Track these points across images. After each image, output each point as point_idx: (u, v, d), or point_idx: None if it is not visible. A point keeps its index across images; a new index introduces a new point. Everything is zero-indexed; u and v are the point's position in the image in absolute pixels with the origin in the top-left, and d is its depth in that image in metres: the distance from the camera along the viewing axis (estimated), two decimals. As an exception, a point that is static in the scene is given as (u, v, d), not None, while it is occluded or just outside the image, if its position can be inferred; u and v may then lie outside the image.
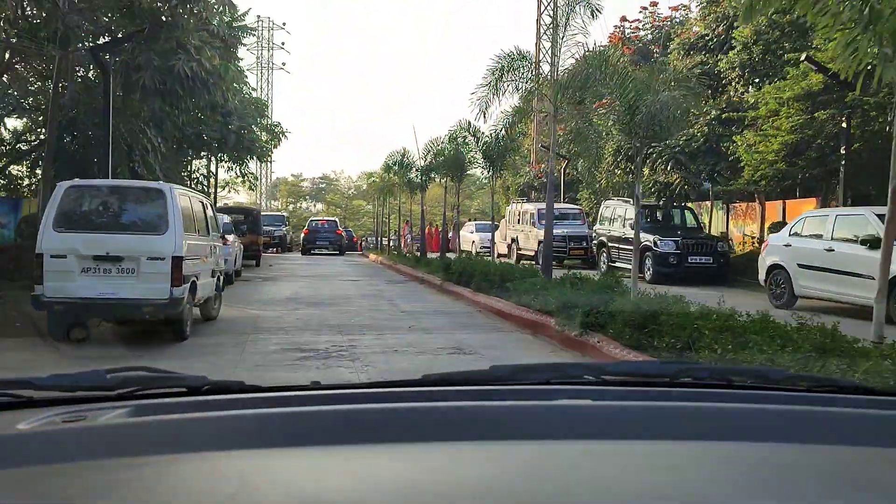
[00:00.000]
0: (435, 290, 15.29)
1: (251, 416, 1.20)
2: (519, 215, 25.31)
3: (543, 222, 15.20)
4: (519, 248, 24.98)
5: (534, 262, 22.78)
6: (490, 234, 21.49)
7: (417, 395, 1.37)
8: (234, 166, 27.20)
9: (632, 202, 19.40)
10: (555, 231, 18.56)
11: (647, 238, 17.51)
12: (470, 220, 40.61)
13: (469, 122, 18.49)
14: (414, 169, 24.03)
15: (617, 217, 19.23)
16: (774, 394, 1.44)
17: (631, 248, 14.44)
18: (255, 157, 27.10)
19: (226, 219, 18.19)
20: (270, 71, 51.39)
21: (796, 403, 1.35)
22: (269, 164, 48.28)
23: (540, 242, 21.85)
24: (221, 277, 10.73)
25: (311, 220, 36.26)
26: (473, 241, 32.32)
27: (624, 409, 1.28)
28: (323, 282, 17.51)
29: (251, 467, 0.99)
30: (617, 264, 18.92)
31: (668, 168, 18.59)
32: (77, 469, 0.99)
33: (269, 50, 51.24)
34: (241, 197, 50.02)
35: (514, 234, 25.36)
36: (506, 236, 26.72)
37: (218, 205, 26.01)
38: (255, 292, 14.65)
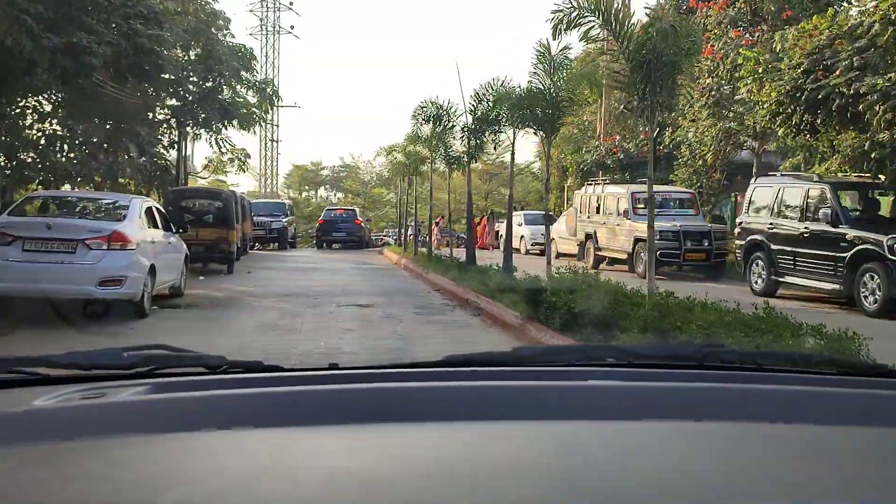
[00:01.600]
0: (512, 337, 8.07)
1: (275, 394, 1.19)
2: (599, 202, 18.11)
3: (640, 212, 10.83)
4: (599, 248, 17.80)
5: (627, 269, 15.74)
6: (543, 227, 14.96)
7: (441, 376, 1.35)
8: (213, 134, 20.11)
9: (816, 179, 12.12)
10: (662, 225, 13.94)
11: (862, 237, 10.28)
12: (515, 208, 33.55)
13: (547, 45, 11.22)
14: (457, 133, 16.66)
15: (789, 203, 11.95)
16: (803, 377, 1.42)
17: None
18: (236, 123, 20.00)
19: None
20: (277, 35, 44.49)
21: (826, 386, 1.34)
22: (273, 141, 41.57)
23: (638, 241, 14.83)
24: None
25: (327, 209, 31.59)
26: (522, 237, 25.22)
27: (653, 389, 1.25)
28: (313, 311, 10.31)
29: (280, 443, 0.99)
30: (788, 278, 11.68)
31: None
32: (97, 445, 0.98)
33: (274, 9, 44.20)
34: (245, 184, 43.22)
35: (591, 229, 18.19)
36: (575, 231, 19.56)
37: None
38: (170, 338, 7.65)
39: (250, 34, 43.02)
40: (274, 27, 44.24)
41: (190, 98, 17.93)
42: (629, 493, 0.79)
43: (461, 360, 1.45)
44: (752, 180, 13.98)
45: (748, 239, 12.59)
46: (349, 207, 32.99)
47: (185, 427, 1.03)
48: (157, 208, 10.91)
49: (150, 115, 19.15)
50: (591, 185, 19.15)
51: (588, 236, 18.47)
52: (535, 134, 12.43)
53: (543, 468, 0.89)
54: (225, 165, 26.33)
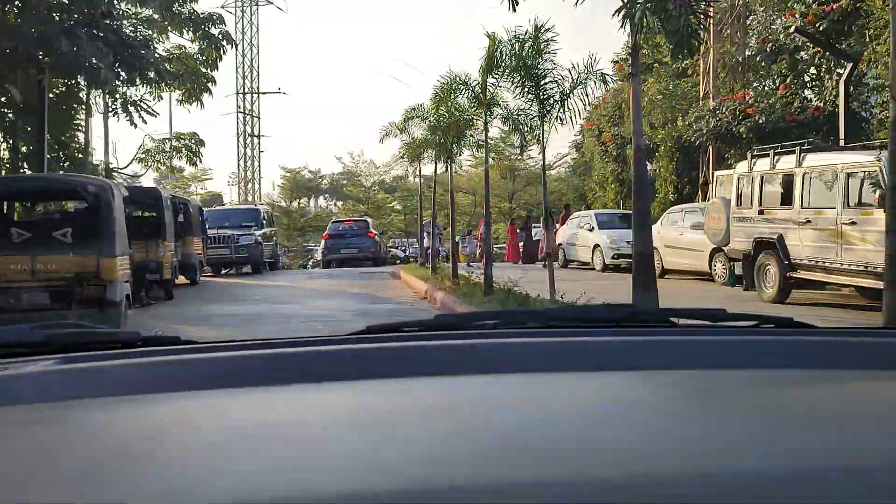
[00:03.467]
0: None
1: (186, 361, 1.19)
2: (792, 186, 10.17)
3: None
4: (794, 267, 9.88)
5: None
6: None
7: (362, 340, 1.33)
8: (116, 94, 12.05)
9: None
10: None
11: None
12: (578, 207, 25.84)
13: None
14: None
15: None
16: (719, 330, 1.45)
17: None
18: (155, 80, 11.90)
19: None
20: (255, 7, 36.37)
21: (741, 335, 1.37)
22: (253, 136, 33.64)
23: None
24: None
25: (334, 222, 26.59)
26: (597, 247, 17.39)
27: (569, 344, 1.28)
28: None
29: (187, 406, 0.99)
30: None
31: None
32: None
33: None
34: (218, 189, 35.19)
35: (771, 232, 10.31)
36: (725, 236, 11.69)
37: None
38: None
39: (223, 6, 35.13)
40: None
41: (57, 20, 9.96)
42: (550, 443, 0.77)
43: (381, 327, 1.45)
44: None
45: None
46: (359, 218, 28.14)
47: (93, 394, 1.02)
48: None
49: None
50: (763, 156, 11.11)
51: (762, 245, 10.54)
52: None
53: (462, 419, 0.88)
54: (165, 156, 18.22)
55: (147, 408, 0.98)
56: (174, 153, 17.87)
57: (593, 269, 17.40)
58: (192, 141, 17.80)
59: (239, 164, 34.86)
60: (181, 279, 14.89)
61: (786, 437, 0.78)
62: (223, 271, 20.09)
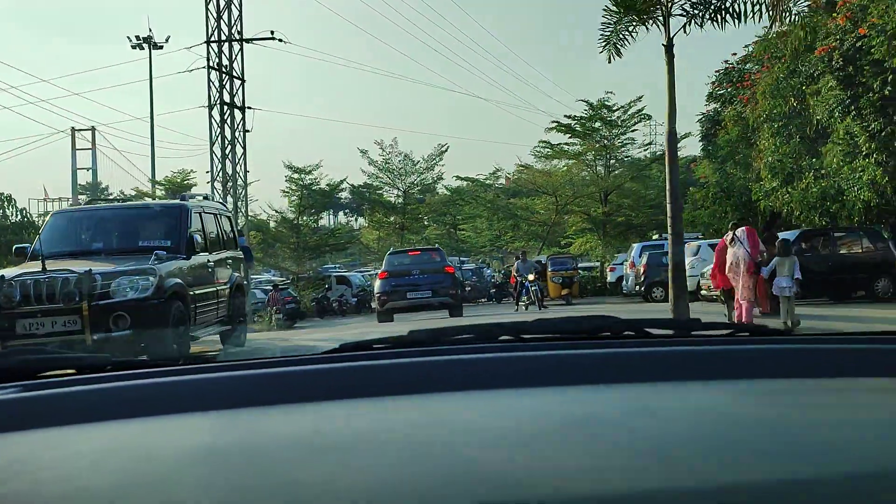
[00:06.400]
0: None
1: (151, 385, 1.14)
2: None
3: None
4: None
5: None
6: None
7: (333, 360, 1.28)
8: None
9: None
10: None
11: None
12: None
13: None
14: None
15: None
16: (692, 340, 1.46)
17: None
18: None
19: None
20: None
21: (712, 345, 1.38)
22: (231, 105, 21.56)
23: None
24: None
25: (392, 254, 18.57)
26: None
27: (542, 358, 1.26)
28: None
29: (142, 431, 0.97)
30: None
31: None
32: None
33: None
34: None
35: None
36: None
37: None
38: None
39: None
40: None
41: None
42: (519, 463, 0.76)
43: (353, 345, 1.42)
44: None
45: None
46: (429, 247, 21.98)
47: (50, 422, 0.99)
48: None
49: None
50: None
51: None
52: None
53: (418, 441, 0.85)
54: None
55: (102, 433, 0.97)
56: None
57: None
58: None
59: (212, 151, 22.28)
60: None
61: (776, 447, 0.77)
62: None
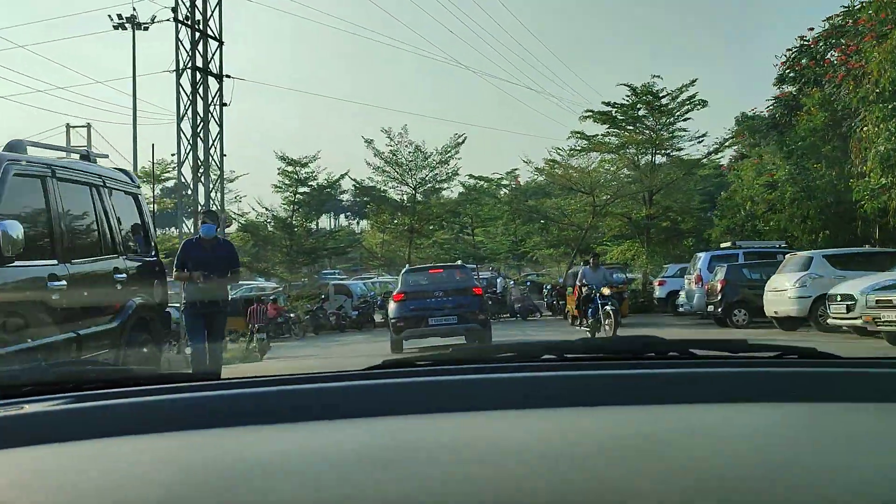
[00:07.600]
0: None
1: (198, 399, 1.16)
2: None
3: None
4: None
5: None
6: None
7: (376, 376, 1.28)
8: None
9: None
10: None
11: None
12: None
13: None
14: None
15: None
16: (739, 360, 1.43)
17: None
18: None
19: None
20: None
21: (761, 367, 1.34)
22: (203, 71, 17.45)
23: None
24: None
25: (407, 272, 15.16)
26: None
27: (585, 378, 1.25)
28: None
29: (195, 444, 0.98)
30: None
31: None
32: (7, 456, 0.96)
33: None
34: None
35: None
36: None
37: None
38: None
39: None
40: None
41: None
42: (562, 482, 0.76)
43: (394, 362, 1.42)
44: None
45: None
46: (453, 264, 18.60)
47: (99, 434, 1.00)
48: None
49: None
50: None
51: None
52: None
53: (461, 459, 0.86)
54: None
55: (155, 445, 0.96)
56: None
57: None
58: None
59: (180, 128, 17.92)
60: None
61: (826, 472, 0.75)
62: None
